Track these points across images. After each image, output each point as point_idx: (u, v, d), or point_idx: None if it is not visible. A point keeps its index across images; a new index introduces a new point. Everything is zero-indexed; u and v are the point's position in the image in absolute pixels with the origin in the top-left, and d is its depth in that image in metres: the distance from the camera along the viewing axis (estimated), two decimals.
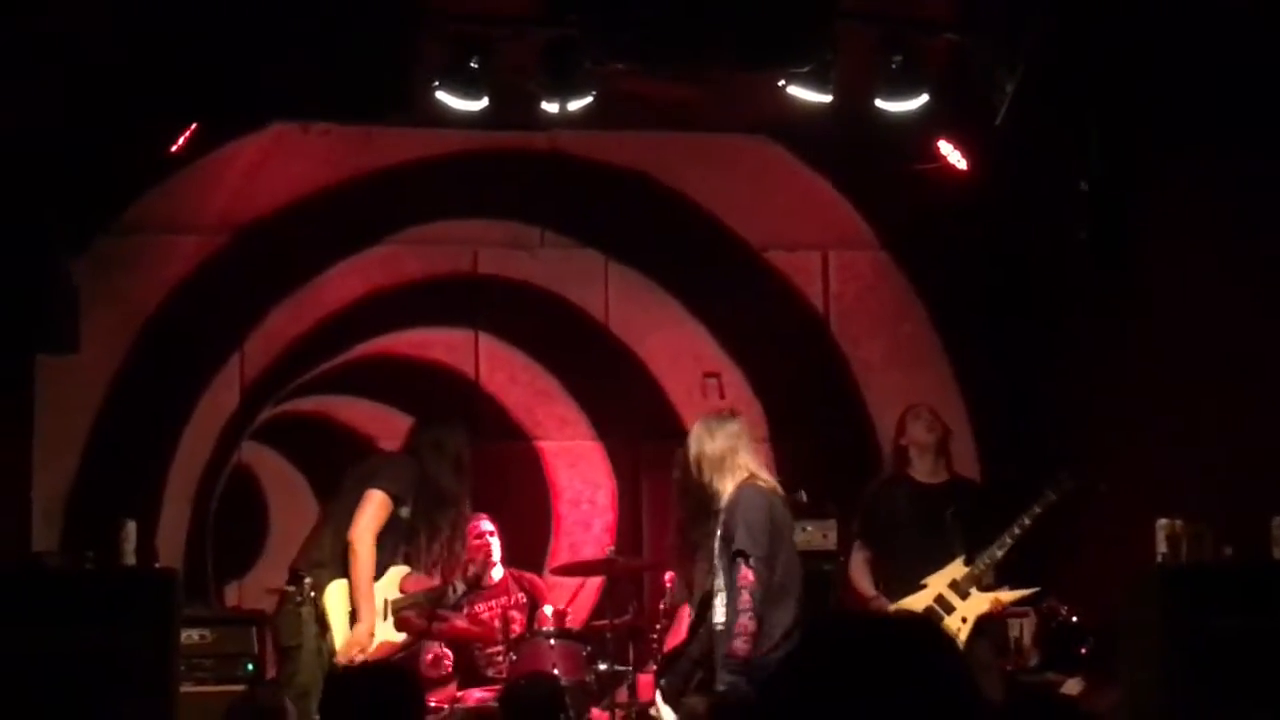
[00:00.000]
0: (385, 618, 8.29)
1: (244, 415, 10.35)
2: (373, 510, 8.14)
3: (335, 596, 8.07)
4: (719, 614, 7.61)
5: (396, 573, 8.35)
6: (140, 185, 10.08)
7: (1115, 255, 9.31)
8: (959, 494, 8.62)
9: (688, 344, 10.80)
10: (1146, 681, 7.06)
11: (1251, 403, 8.36)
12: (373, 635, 8.13)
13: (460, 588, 8.78)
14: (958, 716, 2.60)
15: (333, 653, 8.01)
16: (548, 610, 9.33)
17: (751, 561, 7.44)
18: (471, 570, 8.97)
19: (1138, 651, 7.17)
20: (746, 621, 7.38)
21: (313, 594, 8.02)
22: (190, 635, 8.44)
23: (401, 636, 8.49)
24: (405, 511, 8.28)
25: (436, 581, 8.61)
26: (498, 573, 9.68)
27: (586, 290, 10.76)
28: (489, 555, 9.64)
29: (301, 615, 7.99)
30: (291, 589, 8.10)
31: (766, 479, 7.73)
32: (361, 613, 8.09)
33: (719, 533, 7.68)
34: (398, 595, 8.39)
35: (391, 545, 8.26)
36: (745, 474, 7.66)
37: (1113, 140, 8.84)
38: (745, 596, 7.42)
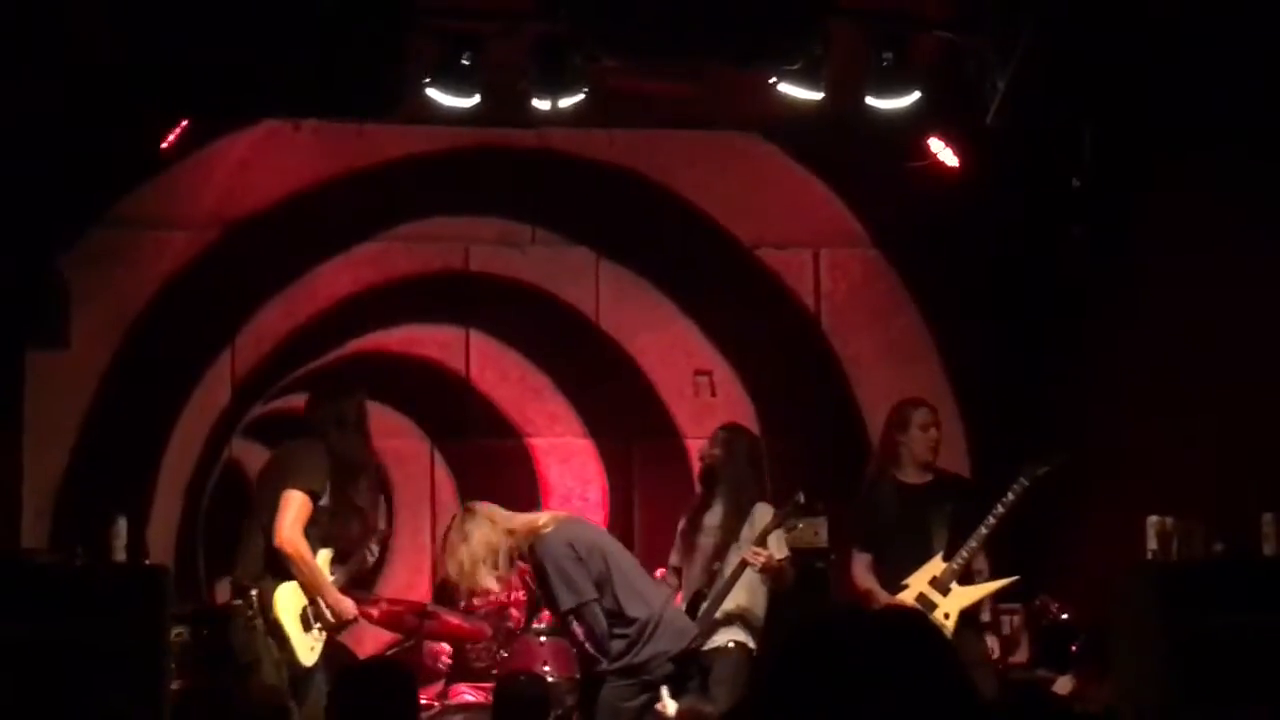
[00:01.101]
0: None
1: (235, 412, 10.34)
2: (294, 511, 7.93)
3: (284, 601, 7.94)
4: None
5: (324, 557, 8.15)
6: (131, 181, 10.06)
7: (1107, 252, 9.33)
8: (946, 491, 8.61)
9: (679, 341, 10.80)
10: (1138, 679, 7.08)
11: (1242, 400, 8.38)
12: (342, 598, 8.09)
13: (375, 547, 8.64)
14: (951, 708, 2.60)
15: (291, 662, 7.93)
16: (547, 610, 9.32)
17: (582, 610, 7.63)
18: (383, 528, 8.86)
19: (1129, 649, 7.19)
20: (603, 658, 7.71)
21: (260, 607, 7.93)
22: (180, 632, 8.42)
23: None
24: (325, 499, 8.10)
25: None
26: None
27: (577, 288, 10.75)
28: None
29: (255, 629, 7.87)
30: (239, 603, 7.96)
31: (540, 517, 7.85)
32: (330, 601, 8.00)
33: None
34: (330, 579, 8.26)
35: (317, 535, 8.09)
36: (527, 529, 7.74)
37: (1105, 138, 8.85)
38: (588, 648, 7.72)
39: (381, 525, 8.93)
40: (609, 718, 7.61)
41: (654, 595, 7.72)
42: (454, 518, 8.01)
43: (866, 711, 2.57)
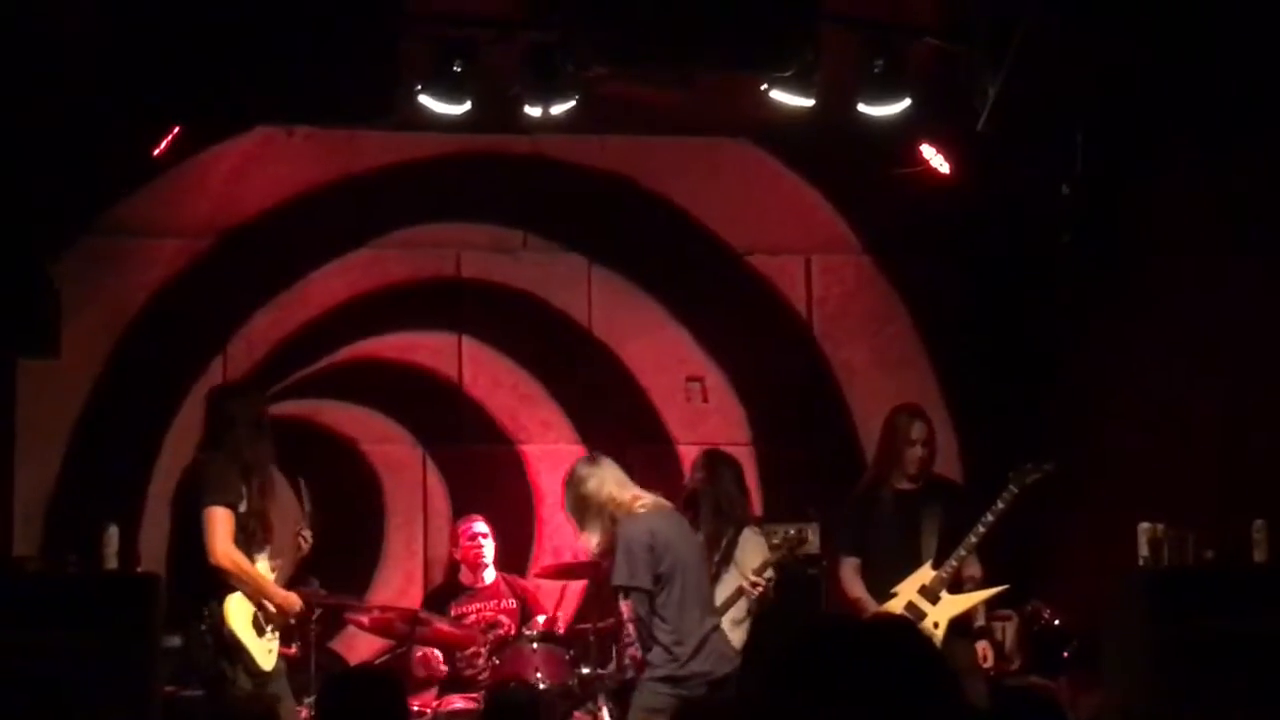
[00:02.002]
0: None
1: None
2: (218, 527, 7.84)
3: (234, 613, 7.87)
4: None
5: (260, 560, 8.08)
6: (123, 189, 10.06)
7: (1098, 259, 9.34)
8: (937, 497, 8.62)
9: (671, 348, 10.81)
10: (1130, 685, 7.08)
11: (1233, 407, 8.39)
12: (287, 594, 8.08)
13: (306, 533, 8.52)
14: (935, 714, 2.60)
15: (254, 672, 7.91)
16: (540, 620, 9.32)
17: (630, 595, 7.58)
18: (307, 509, 8.77)
19: (1120, 655, 7.19)
20: (634, 652, 7.67)
21: (213, 623, 7.86)
22: (172, 640, 8.41)
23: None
24: (242, 505, 7.98)
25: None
26: (489, 575, 9.67)
27: (569, 294, 10.76)
28: (479, 558, 9.63)
29: (211, 645, 7.83)
30: (195, 620, 7.88)
31: (645, 498, 7.74)
32: (275, 599, 7.95)
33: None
34: (270, 577, 8.15)
35: (244, 542, 7.97)
36: (622, 507, 7.68)
37: (1096, 144, 8.85)
38: (629, 629, 7.66)
39: (307, 509, 8.79)
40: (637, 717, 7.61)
41: (705, 618, 7.71)
42: (578, 461, 7.97)
43: (856, 717, 2.57)
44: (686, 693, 7.45)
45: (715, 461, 9.06)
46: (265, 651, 7.95)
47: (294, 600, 8.10)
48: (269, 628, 7.96)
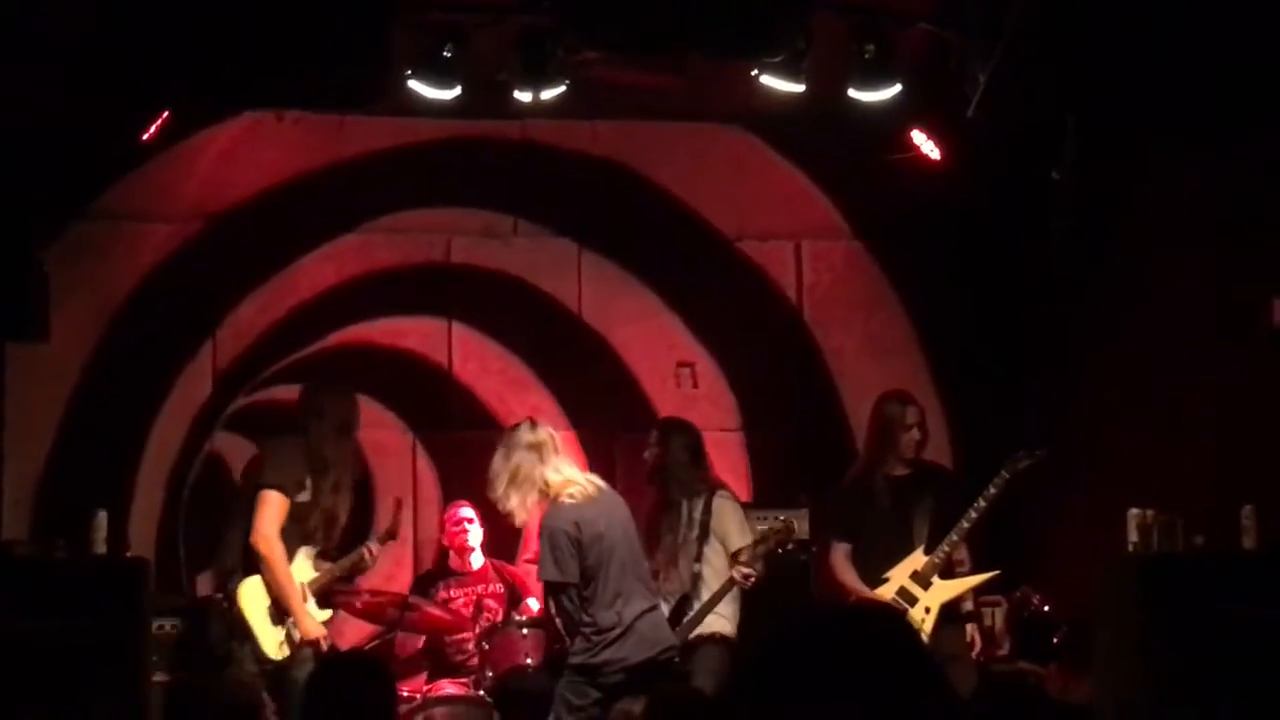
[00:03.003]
0: (306, 599, 8.22)
1: (216, 404, 10.32)
2: (269, 511, 8.01)
3: (249, 596, 7.98)
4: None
5: (305, 554, 8.25)
6: (112, 173, 10.04)
7: (1088, 245, 9.34)
8: (929, 483, 8.63)
9: (661, 334, 10.80)
10: (1119, 671, 7.09)
11: (1222, 394, 8.39)
12: (314, 625, 8.10)
13: (375, 549, 8.66)
14: (920, 705, 2.60)
15: (261, 659, 7.94)
16: (532, 603, 9.32)
17: (558, 592, 7.59)
18: (386, 527, 8.86)
19: (1110, 641, 7.19)
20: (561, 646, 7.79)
21: (230, 600, 7.97)
22: (161, 625, 8.42)
23: (327, 613, 8.41)
24: (303, 495, 8.15)
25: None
26: (476, 560, 9.66)
27: (560, 280, 10.75)
28: (465, 542, 9.63)
29: (229, 622, 7.97)
30: (219, 596, 8.07)
31: (575, 487, 7.63)
32: (294, 615, 8.02)
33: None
34: (311, 576, 8.30)
35: (296, 534, 8.15)
36: (548, 491, 7.62)
37: (1087, 130, 8.85)
38: (558, 624, 7.70)
39: (384, 527, 8.92)
40: (559, 709, 7.58)
41: (635, 602, 7.62)
42: (521, 424, 7.85)
43: (841, 709, 2.57)
44: (601, 679, 7.43)
45: (666, 431, 8.94)
46: (275, 642, 7.98)
47: (311, 628, 8.11)
48: (289, 620, 8.01)
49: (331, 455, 8.25)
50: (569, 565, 7.50)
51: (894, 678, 2.60)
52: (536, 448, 7.63)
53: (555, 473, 7.61)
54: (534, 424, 7.80)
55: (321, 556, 8.34)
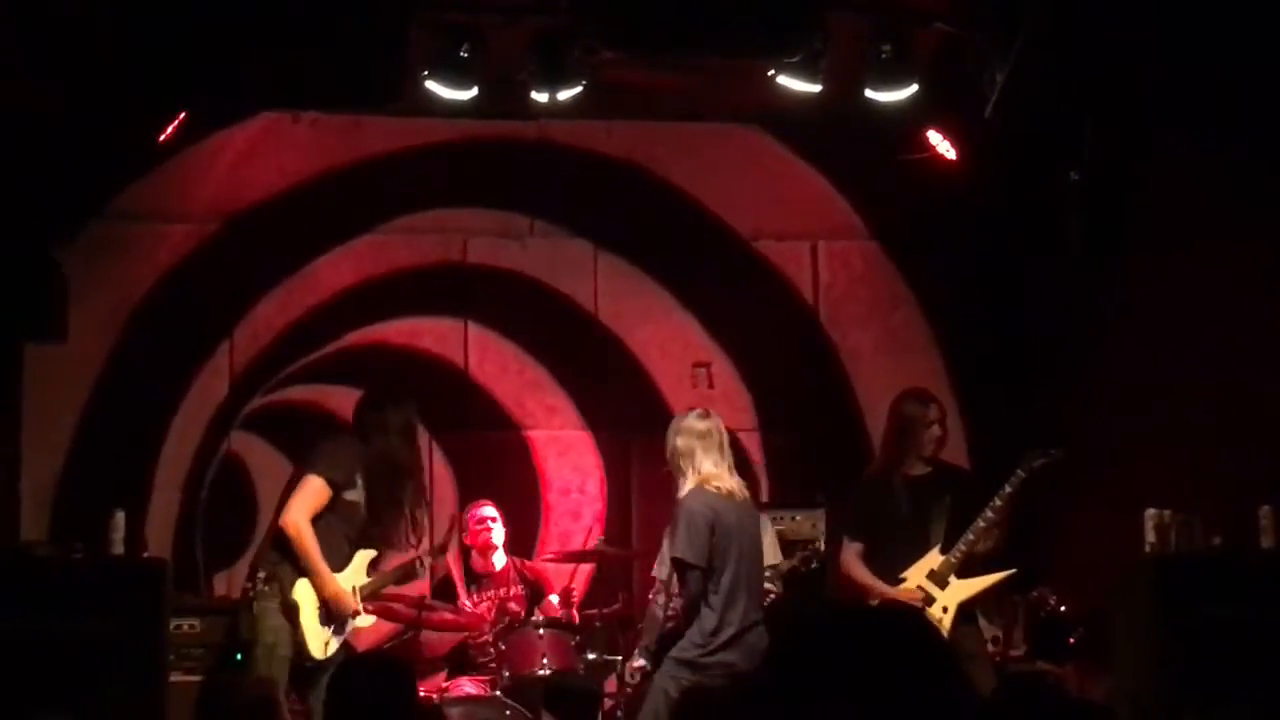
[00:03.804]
0: (358, 603, 8.24)
1: (233, 404, 10.34)
2: (306, 494, 8.05)
3: (302, 591, 8.04)
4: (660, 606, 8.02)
5: (363, 558, 8.29)
6: (129, 174, 10.05)
7: (1106, 245, 9.33)
8: (948, 483, 8.61)
9: (677, 334, 10.80)
10: (1136, 671, 7.08)
11: (1240, 394, 8.38)
12: (342, 590, 8.12)
13: (427, 560, 8.71)
14: (943, 704, 2.60)
15: (304, 653, 7.97)
16: (554, 599, 9.34)
17: (686, 571, 7.61)
18: (439, 541, 8.92)
19: (1127, 641, 7.19)
20: (675, 626, 7.74)
21: (266, 588, 7.99)
22: (179, 625, 8.44)
23: (372, 620, 8.45)
24: (352, 494, 8.18)
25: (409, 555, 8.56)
26: (499, 560, 9.66)
27: (576, 280, 10.76)
28: (489, 540, 9.62)
29: (265, 611, 7.98)
30: (249, 584, 8.10)
31: (722, 484, 7.73)
32: (320, 580, 8.05)
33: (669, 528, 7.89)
34: (365, 580, 8.33)
35: (341, 531, 8.18)
36: (699, 477, 7.71)
37: (1105, 131, 8.84)
38: (677, 603, 7.74)
39: (440, 541, 8.98)
40: (656, 699, 7.58)
41: (749, 612, 7.67)
42: (694, 410, 7.99)
43: (864, 708, 2.57)
44: (705, 680, 7.44)
45: None
46: (321, 641, 8.02)
47: (346, 602, 8.15)
48: (332, 625, 8.04)
49: (405, 462, 8.32)
50: (700, 548, 7.55)
51: (917, 677, 2.60)
52: (701, 435, 7.74)
53: (711, 465, 7.70)
54: (706, 413, 7.94)
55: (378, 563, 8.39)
